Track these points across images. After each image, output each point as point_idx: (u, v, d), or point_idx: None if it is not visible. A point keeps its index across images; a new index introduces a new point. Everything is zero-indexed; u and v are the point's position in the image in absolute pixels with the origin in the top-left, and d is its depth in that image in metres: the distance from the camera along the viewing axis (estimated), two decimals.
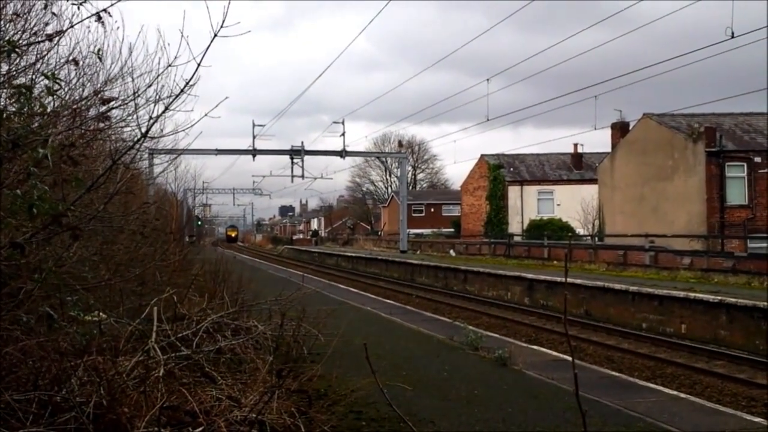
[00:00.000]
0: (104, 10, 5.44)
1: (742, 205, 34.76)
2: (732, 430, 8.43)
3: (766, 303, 17.08)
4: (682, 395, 10.72)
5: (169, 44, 6.22)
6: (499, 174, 54.39)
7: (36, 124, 5.56)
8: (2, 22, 5.91)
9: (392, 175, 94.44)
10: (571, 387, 8.36)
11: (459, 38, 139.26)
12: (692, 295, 19.39)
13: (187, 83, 5.59)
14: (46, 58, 6.66)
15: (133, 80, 7.05)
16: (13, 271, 5.33)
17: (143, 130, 5.76)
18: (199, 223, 60.89)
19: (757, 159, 34.86)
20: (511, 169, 55.43)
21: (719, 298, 18.46)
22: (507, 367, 10.92)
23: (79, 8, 5.56)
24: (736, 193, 34.86)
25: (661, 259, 29.37)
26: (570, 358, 12.95)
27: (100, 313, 6.80)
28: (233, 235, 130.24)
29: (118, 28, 6.98)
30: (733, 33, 19.46)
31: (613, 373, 12.77)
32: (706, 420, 8.93)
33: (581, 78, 67.19)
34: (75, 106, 6.74)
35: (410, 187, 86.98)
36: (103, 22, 5.45)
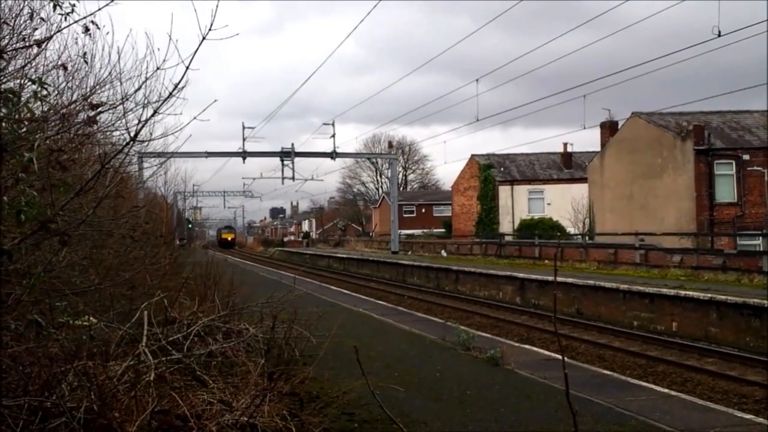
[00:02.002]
0: (92, 22, 5.42)
1: (731, 203, 34.94)
2: (723, 426, 8.47)
3: (755, 300, 17.17)
4: (674, 393, 10.75)
5: (159, 49, 6.20)
6: (489, 174, 54.47)
7: (24, 130, 5.53)
8: None
9: (383, 176, 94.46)
10: (563, 386, 8.40)
11: (447, 41, 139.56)
12: (682, 292, 19.47)
13: (176, 86, 5.58)
14: (34, 62, 6.64)
15: (121, 84, 7.02)
16: (1, 278, 5.30)
17: (132, 134, 5.74)
18: (190, 226, 60.70)
19: (746, 156, 35.05)
20: (502, 169, 55.52)
21: (709, 295, 18.54)
22: (499, 366, 10.94)
23: (65, 18, 5.54)
24: (725, 191, 35.04)
25: (651, 257, 29.47)
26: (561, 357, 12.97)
27: (90, 318, 6.77)
28: (229, 238, 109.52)
29: (107, 33, 6.96)
30: (719, 32, 19.58)
31: (605, 371, 12.80)
32: (698, 417, 8.96)
33: (569, 78, 67.40)
34: (63, 111, 6.71)
35: (401, 188, 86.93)
36: (90, 34, 5.43)
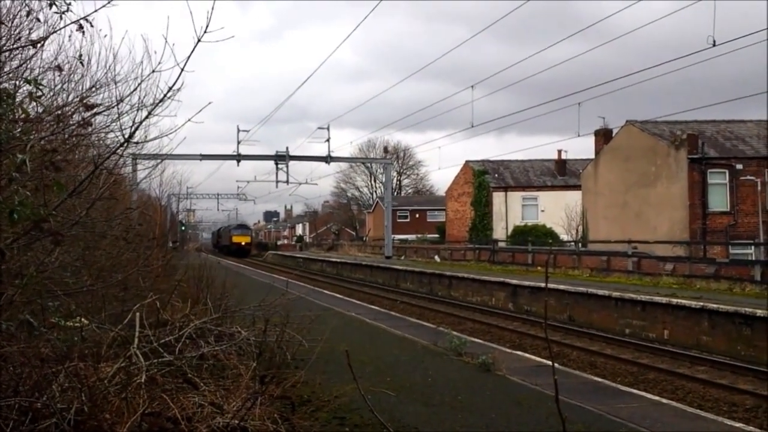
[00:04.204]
0: (85, 19, 5.43)
1: (724, 212, 35.06)
2: None
3: (747, 309, 17.23)
4: (665, 401, 10.79)
5: (155, 51, 6.21)
6: (483, 180, 54.54)
7: (18, 130, 5.53)
8: None
9: (377, 181, 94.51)
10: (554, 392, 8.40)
11: (443, 49, 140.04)
12: (675, 300, 19.52)
13: (171, 88, 5.59)
14: (29, 63, 6.65)
15: (116, 86, 7.03)
16: None
17: (126, 135, 5.74)
18: (183, 228, 60.56)
19: (739, 166, 35.17)
20: (496, 175, 55.60)
21: (701, 303, 18.60)
22: (490, 372, 10.95)
23: (61, 17, 5.55)
24: (718, 200, 35.16)
25: (643, 265, 29.55)
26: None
27: (82, 319, 6.76)
28: (243, 242, 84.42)
29: (105, 35, 6.98)
30: (714, 41, 19.66)
31: (596, 378, 12.83)
32: (688, 425, 8.99)
33: (564, 86, 67.57)
34: (58, 112, 6.71)
35: (395, 193, 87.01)
36: (83, 32, 5.43)
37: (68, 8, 5.73)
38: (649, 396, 11.09)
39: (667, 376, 15.28)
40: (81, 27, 5.79)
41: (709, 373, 15.47)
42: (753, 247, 32.65)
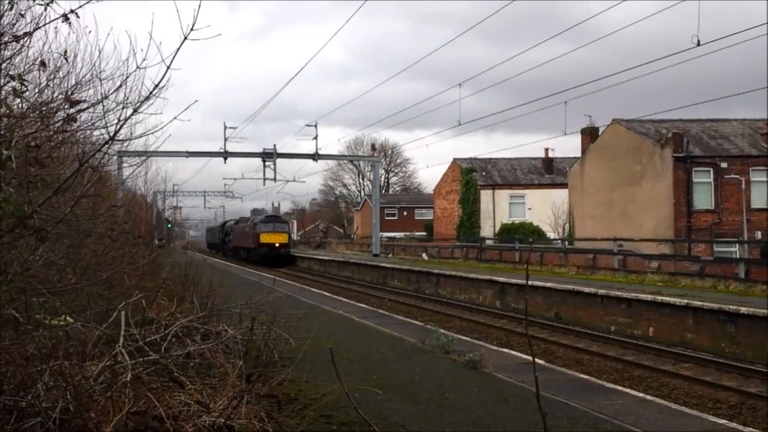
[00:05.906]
0: (72, 11, 5.39)
1: (709, 210, 35.31)
2: (697, 431, 8.56)
3: (731, 306, 17.36)
4: (649, 397, 10.85)
5: (141, 49, 6.18)
6: (471, 178, 54.61)
7: (2, 126, 5.48)
8: None
9: (365, 179, 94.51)
10: (541, 390, 8.41)
11: (431, 49, 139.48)
12: (660, 298, 19.65)
13: (156, 86, 5.56)
14: (13, 59, 6.59)
15: (101, 83, 6.98)
16: None
17: (111, 133, 5.71)
18: (170, 225, 60.22)
19: (723, 164, 35.44)
20: (484, 173, 55.70)
21: (686, 301, 18.72)
22: (477, 370, 10.98)
23: (46, 9, 5.50)
24: (703, 198, 35.39)
25: (629, 263, 29.70)
26: (538, 361, 13.04)
27: (67, 318, 6.71)
28: (278, 244, 58.19)
29: (89, 32, 6.93)
30: (699, 41, 19.78)
31: (582, 375, 12.89)
32: (673, 422, 9.04)
33: (551, 85, 67.82)
34: (43, 108, 6.66)
35: (383, 191, 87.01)
36: (70, 23, 5.40)
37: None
38: (634, 393, 11.14)
39: (652, 373, 15.39)
40: (67, 19, 5.73)
41: (694, 370, 15.59)
42: (737, 245, 32.94)
